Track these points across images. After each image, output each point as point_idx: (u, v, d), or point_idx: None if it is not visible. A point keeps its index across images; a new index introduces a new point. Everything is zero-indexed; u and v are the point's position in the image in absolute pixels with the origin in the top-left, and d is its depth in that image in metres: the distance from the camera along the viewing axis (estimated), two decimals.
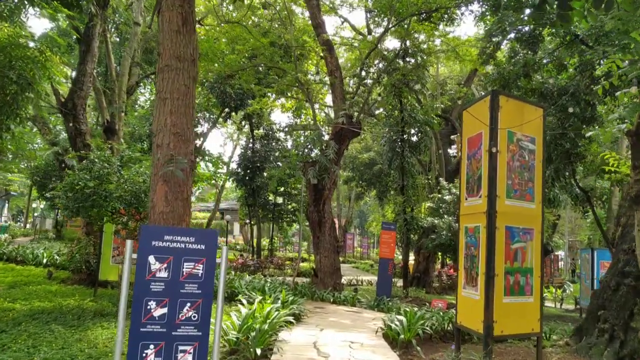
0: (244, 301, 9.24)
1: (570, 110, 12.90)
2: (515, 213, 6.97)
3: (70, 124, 12.84)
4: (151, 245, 4.52)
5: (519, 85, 16.28)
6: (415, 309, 13.29)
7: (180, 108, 5.32)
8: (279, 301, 9.75)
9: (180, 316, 4.47)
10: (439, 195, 18.60)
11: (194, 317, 4.54)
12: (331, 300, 13.43)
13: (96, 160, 8.58)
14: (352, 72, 16.34)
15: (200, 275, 4.58)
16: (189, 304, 4.52)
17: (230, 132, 46.37)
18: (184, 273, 4.53)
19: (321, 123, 19.50)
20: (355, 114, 15.28)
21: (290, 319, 9.01)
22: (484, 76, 18.43)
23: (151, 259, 4.53)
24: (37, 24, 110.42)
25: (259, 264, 22.52)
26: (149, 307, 4.45)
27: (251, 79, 17.49)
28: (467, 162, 7.64)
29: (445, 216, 17.09)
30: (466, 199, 7.52)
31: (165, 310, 4.45)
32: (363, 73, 15.76)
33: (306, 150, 15.18)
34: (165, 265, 4.51)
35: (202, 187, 41.25)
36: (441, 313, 13.17)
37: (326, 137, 16.28)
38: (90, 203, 8.00)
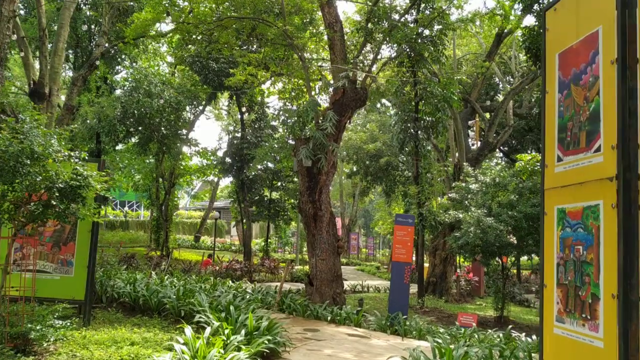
0: (188, 332, 5.96)
1: None
2: None
3: None
4: None
5: None
6: (442, 330, 9.98)
7: None
8: (245, 330, 6.45)
9: None
10: (463, 184, 15.27)
11: None
12: (329, 318, 10.11)
13: None
14: (356, 27, 13.05)
15: None
16: None
17: (226, 125, 43.27)
18: None
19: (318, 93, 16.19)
20: (360, 78, 11.98)
21: None
22: (522, 35, 15.19)
23: None
24: None
25: (247, 268, 19.24)
26: None
27: (233, 42, 14.22)
28: (559, 95, 4.30)
29: (473, 209, 13.75)
30: (560, 160, 4.19)
31: None
32: (369, 25, 12.43)
33: (296, 127, 11.86)
34: None
35: (192, 182, 37.96)
36: (476, 336, 9.87)
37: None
38: None
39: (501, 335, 9.78)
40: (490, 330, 10.06)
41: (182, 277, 14.83)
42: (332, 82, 14.05)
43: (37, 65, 15.23)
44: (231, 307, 7.39)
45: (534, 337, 10.12)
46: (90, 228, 7.51)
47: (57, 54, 11.08)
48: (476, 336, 9.74)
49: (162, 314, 9.03)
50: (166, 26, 20.86)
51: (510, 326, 10.63)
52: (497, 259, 14.59)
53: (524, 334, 10.09)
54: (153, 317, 8.83)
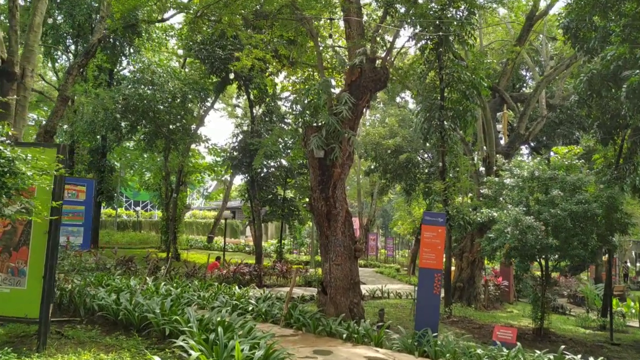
0: None
1: None
2: None
3: None
4: None
5: (621, 11, 11.21)
6: (480, 350, 8.33)
7: None
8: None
9: None
10: (496, 179, 13.58)
11: None
12: (344, 335, 8.53)
13: None
14: None
15: None
16: None
17: (239, 121, 42.01)
18: None
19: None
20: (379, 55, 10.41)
21: None
22: (561, 11, 13.50)
23: None
24: None
25: (257, 272, 17.77)
26: None
27: (238, 21, 12.79)
28: None
29: (510, 206, 12.07)
30: None
31: None
32: None
33: (306, 112, 10.33)
34: None
35: (203, 180, 36.64)
36: (521, 357, 8.19)
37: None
38: None
39: (552, 357, 8.13)
40: (538, 352, 8.37)
41: (183, 283, 13.42)
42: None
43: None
44: (219, 329, 5.86)
45: (591, 358, 8.46)
46: (47, 229, 6.07)
47: (33, 30, 9.68)
48: (521, 357, 8.11)
49: (145, 332, 7.57)
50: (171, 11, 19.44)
51: (562, 347, 8.98)
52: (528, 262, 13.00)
53: (579, 355, 8.41)
54: (133, 335, 7.37)
